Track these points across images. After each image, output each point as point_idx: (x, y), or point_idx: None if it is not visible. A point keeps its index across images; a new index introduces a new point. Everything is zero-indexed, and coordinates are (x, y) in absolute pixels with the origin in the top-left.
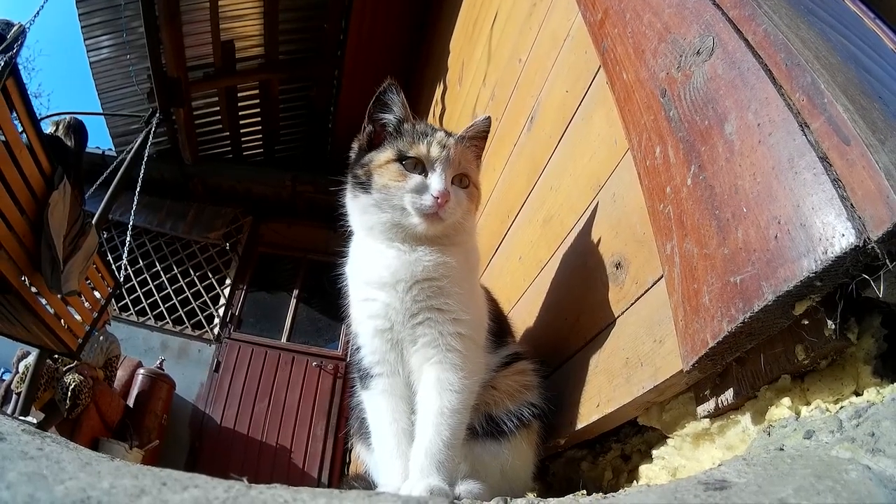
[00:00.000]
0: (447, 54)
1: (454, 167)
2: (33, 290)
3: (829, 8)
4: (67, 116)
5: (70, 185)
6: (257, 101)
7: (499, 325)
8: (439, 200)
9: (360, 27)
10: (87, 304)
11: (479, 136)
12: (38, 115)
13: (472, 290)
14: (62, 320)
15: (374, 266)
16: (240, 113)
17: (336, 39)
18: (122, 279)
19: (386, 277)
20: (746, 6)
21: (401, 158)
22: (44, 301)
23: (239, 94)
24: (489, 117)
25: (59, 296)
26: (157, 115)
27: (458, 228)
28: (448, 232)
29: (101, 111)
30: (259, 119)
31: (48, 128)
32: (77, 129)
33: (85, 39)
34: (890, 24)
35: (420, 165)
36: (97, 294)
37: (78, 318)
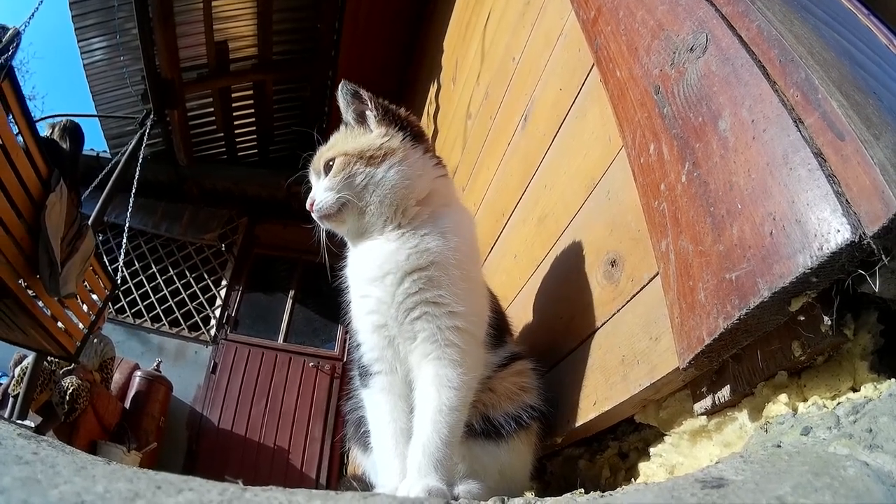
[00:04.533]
0: (441, 53)
1: (316, 171)
2: (31, 293)
3: (822, 4)
4: (63, 119)
5: (66, 187)
6: (251, 101)
7: (498, 322)
8: (308, 208)
9: (353, 26)
10: (84, 306)
11: (351, 101)
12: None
13: (466, 278)
14: (60, 323)
15: (366, 262)
16: (234, 114)
17: (330, 39)
18: (119, 281)
19: (375, 271)
20: (740, 3)
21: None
22: (41, 304)
23: (233, 95)
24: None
25: (56, 299)
26: (151, 116)
27: (390, 195)
28: (361, 209)
29: (96, 113)
30: (253, 120)
31: (44, 131)
32: (73, 132)
33: (78, 41)
34: (884, 19)
35: None
36: (94, 297)
37: (76, 321)
